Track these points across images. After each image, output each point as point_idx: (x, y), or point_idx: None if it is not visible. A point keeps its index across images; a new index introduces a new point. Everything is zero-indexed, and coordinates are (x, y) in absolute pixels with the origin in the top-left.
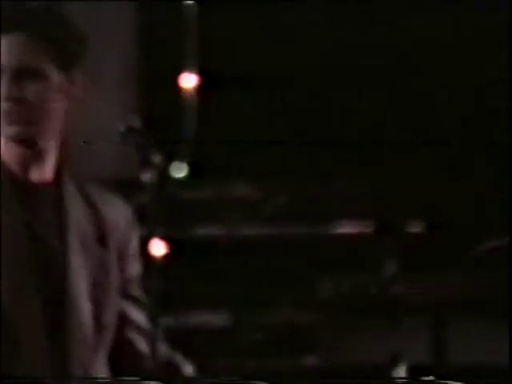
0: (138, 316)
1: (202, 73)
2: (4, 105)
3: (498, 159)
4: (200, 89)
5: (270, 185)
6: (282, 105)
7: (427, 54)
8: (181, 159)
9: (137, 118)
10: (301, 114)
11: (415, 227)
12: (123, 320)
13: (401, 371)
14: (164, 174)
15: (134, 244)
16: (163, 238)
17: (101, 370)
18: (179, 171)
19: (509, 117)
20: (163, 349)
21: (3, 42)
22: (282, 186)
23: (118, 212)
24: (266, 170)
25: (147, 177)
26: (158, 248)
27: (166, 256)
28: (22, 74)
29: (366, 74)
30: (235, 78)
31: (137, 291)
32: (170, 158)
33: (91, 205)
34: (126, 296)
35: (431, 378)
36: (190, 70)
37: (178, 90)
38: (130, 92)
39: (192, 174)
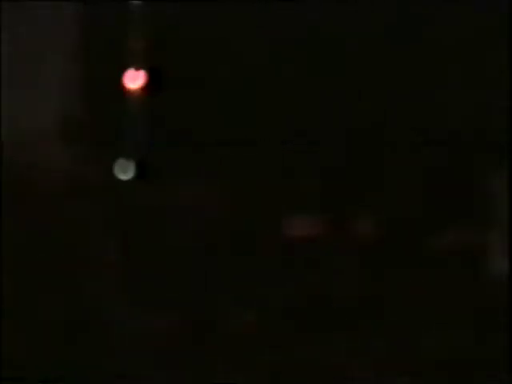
0: None
1: (149, 71)
2: None
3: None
4: (146, 88)
5: (220, 184)
6: (230, 104)
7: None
8: (127, 160)
9: (82, 117)
10: (247, 112)
11: (369, 226)
12: None
13: (360, 371)
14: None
15: None
16: None
17: None
18: (125, 172)
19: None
20: None
21: None
22: (232, 185)
23: None
24: (215, 170)
25: (94, 178)
26: None
27: None
28: None
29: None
30: (183, 77)
31: None
32: (115, 159)
33: None
34: None
35: None
36: (137, 69)
37: (123, 89)
38: (74, 91)
39: (139, 175)
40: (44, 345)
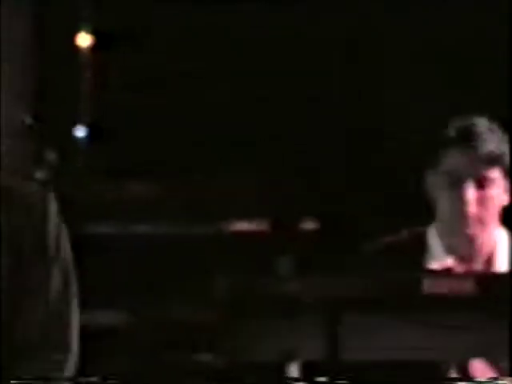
0: None
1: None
2: None
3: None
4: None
5: (167, 182)
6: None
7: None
8: (75, 158)
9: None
10: (196, 111)
11: (310, 224)
12: None
13: (294, 369)
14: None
15: None
16: None
17: None
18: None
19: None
20: None
21: None
22: (179, 184)
23: None
24: (163, 168)
25: (41, 173)
26: None
27: None
28: None
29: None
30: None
31: None
32: (64, 156)
33: None
34: None
35: (325, 378)
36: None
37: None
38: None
39: (87, 171)
40: None
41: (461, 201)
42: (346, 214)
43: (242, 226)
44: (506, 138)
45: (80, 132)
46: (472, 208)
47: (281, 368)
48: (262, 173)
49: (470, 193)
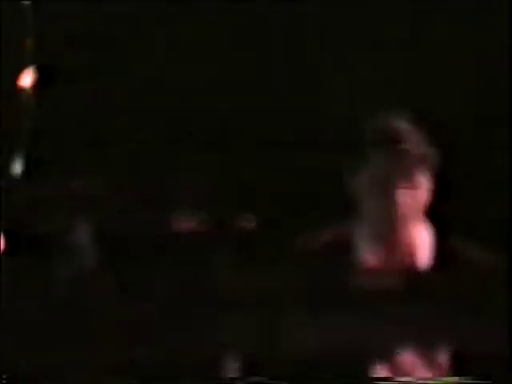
0: None
1: (40, 69)
2: None
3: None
4: (38, 85)
5: (109, 181)
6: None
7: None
8: (18, 155)
9: None
10: (142, 111)
11: (248, 221)
12: None
13: (232, 366)
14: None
15: None
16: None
17: None
18: (16, 167)
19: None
20: None
21: None
22: (120, 183)
23: None
24: (108, 167)
25: None
26: None
27: (3, 252)
28: None
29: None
30: (75, 74)
31: None
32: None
33: None
34: None
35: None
36: (28, 67)
37: (16, 87)
38: None
39: (29, 170)
40: None
41: (386, 202)
42: (283, 213)
43: (183, 224)
44: (428, 138)
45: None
46: (397, 208)
47: (219, 362)
48: (201, 171)
49: (395, 194)
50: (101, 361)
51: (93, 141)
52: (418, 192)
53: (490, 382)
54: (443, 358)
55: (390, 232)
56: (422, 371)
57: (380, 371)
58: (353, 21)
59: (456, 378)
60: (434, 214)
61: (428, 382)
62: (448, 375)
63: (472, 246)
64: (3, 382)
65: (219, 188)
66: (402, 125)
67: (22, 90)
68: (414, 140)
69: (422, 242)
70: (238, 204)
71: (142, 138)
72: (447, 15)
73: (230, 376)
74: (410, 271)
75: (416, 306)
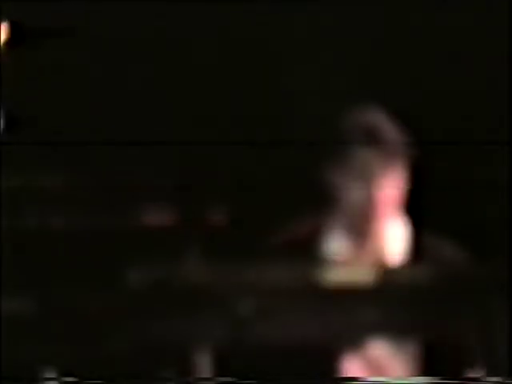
0: None
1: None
2: None
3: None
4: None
5: (75, 174)
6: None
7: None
8: None
9: None
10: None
11: (218, 215)
12: None
13: (203, 362)
14: None
15: None
16: None
17: None
18: None
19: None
20: None
21: None
22: (87, 175)
23: None
24: (73, 160)
25: None
26: None
27: None
28: None
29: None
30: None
31: None
32: None
33: None
34: None
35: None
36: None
37: None
38: None
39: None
40: None
41: (360, 196)
42: (255, 206)
43: (152, 217)
44: (402, 129)
45: None
46: (372, 203)
47: (189, 356)
48: (170, 164)
49: (371, 188)
50: (70, 356)
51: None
52: (393, 187)
53: (460, 381)
54: (414, 353)
55: (363, 226)
56: (392, 367)
57: (351, 367)
58: (326, 18)
59: (427, 378)
60: (410, 210)
61: (397, 381)
62: (418, 373)
63: (446, 244)
64: None
65: (188, 180)
66: (378, 119)
67: None
68: (389, 134)
69: (396, 237)
70: (210, 198)
71: (111, 130)
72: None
73: (201, 374)
74: (383, 266)
75: (388, 300)
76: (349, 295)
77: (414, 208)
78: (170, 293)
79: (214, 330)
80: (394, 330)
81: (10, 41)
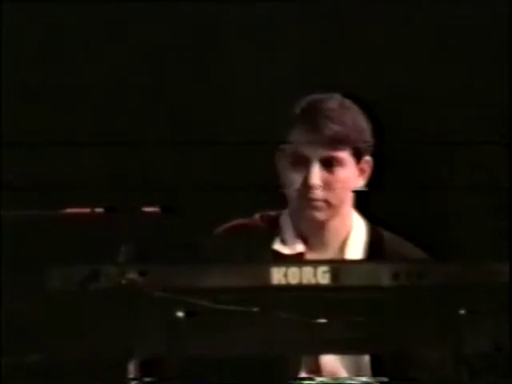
0: None
1: None
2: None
3: None
4: None
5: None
6: None
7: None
8: None
9: None
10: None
11: (151, 210)
12: None
13: (133, 367)
14: None
15: None
16: None
17: None
18: None
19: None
20: None
21: None
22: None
23: None
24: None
25: None
26: None
27: None
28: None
29: None
30: None
31: None
32: None
33: None
34: None
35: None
36: None
37: None
38: None
39: None
40: None
41: (305, 184)
42: (193, 196)
43: (79, 209)
44: (363, 116)
45: None
46: (317, 191)
47: (120, 366)
48: (106, 154)
49: (314, 175)
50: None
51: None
52: (342, 175)
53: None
54: (366, 359)
55: (312, 219)
56: (342, 372)
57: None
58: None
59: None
60: (366, 205)
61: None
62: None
63: (401, 241)
64: None
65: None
66: (328, 101)
67: None
68: (337, 119)
69: (353, 231)
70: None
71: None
72: None
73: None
74: (336, 261)
75: (340, 300)
76: (300, 293)
77: (371, 203)
78: (97, 293)
79: (147, 336)
80: (346, 333)
81: None
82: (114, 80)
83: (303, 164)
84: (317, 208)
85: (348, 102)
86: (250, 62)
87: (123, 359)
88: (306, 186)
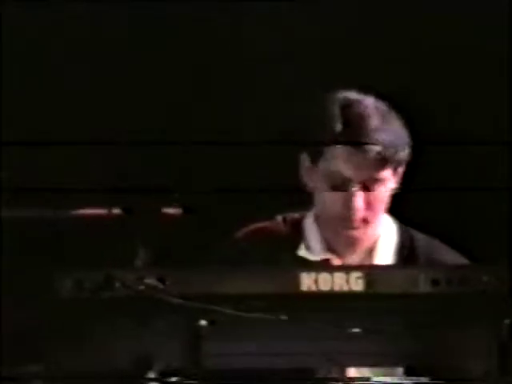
0: None
1: None
2: None
3: None
4: None
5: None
6: None
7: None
8: None
9: None
10: None
11: (170, 213)
12: None
13: (151, 375)
14: None
15: None
16: None
17: None
18: None
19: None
20: None
21: None
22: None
23: None
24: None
25: None
26: None
27: None
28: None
29: None
30: None
31: None
32: None
33: None
34: None
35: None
36: None
37: None
38: None
39: None
40: None
41: (346, 205)
42: (215, 199)
43: (96, 211)
44: (401, 123)
45: None
46: (358, 213)
47: (136, 378)
48: (118, 157)
49: (357, 198)
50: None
51: None
52: (381, 191)
53: None
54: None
55: (347, 235)
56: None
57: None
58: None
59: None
60: (398, 210)
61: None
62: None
63: (437, 244)
64: None
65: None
66: (374, 122)
67: None
68: (380, 135)
69: (383, 237)
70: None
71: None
72: None
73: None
74: (370, 266)
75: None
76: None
77: (404, 208)
78: (111, 300)
79: (164, 345)
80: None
81: None
82: (127, 79)
83: (343, 184)
84: (356, 228)
85: (388, 112)
86: (274, 61)
87: (140, 372)
88: (345, 207)
